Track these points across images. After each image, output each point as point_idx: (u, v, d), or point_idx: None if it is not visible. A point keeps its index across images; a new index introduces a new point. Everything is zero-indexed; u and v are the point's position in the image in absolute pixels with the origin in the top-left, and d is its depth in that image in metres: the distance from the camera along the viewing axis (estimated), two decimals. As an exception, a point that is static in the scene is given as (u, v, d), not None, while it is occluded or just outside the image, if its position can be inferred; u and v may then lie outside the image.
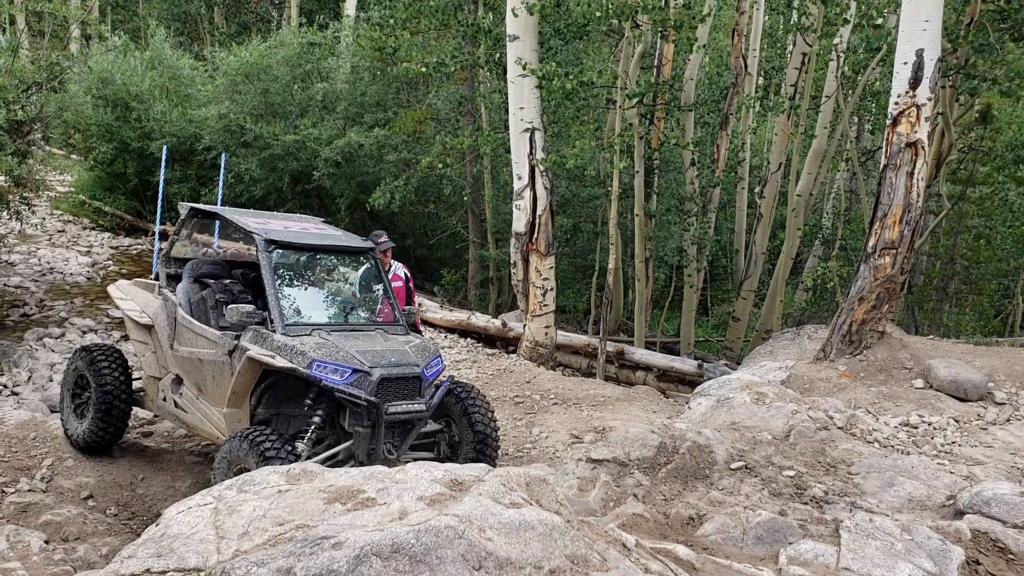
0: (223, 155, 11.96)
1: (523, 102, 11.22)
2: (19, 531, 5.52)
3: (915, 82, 8.36)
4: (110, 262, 15.26)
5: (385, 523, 3.28)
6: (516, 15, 10.92)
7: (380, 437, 5.91)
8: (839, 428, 6.94)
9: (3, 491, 6.50)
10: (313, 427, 5.92)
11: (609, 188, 12.69)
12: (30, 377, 10.09)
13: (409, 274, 8.39)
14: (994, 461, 6.51)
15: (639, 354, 12.61)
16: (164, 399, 6.98)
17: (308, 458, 5.55)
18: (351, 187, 16.05)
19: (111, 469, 7.21)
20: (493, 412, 6.83)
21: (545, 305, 11.62)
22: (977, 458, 6.57)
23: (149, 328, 7.12)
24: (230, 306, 6.10)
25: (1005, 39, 11.56)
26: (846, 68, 13.17)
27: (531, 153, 11.24)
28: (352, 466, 5.20)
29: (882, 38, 11.75)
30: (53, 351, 10.90)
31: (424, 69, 13.13)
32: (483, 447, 6.60)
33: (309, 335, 6.01)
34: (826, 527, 4.81)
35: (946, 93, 11.44)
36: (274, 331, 5.96)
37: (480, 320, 13.32)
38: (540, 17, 11.35)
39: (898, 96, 8.49)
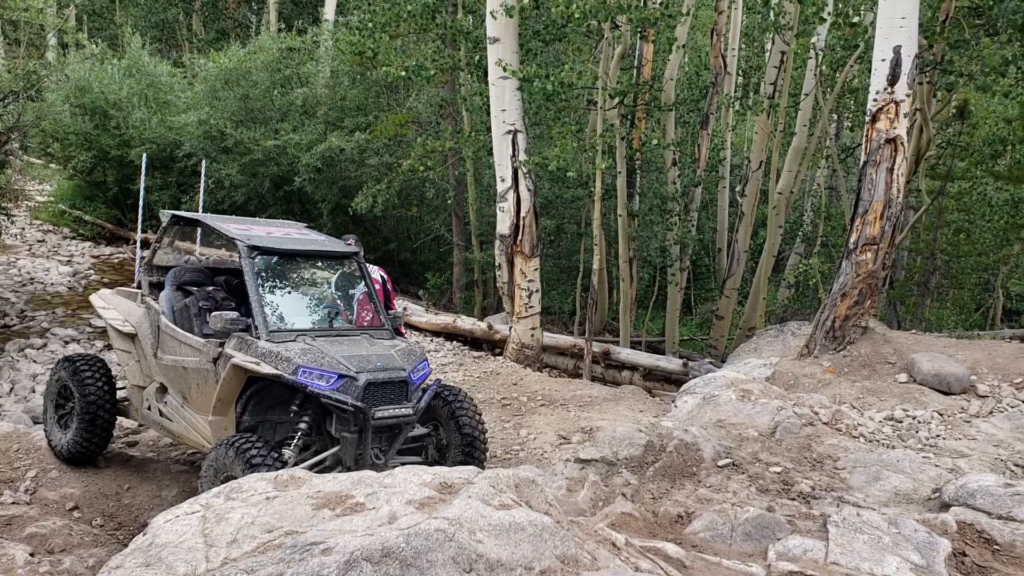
0: (203, 161, 11.87)
1: (505, 104, 11.22)
2: (3, 544, 5.47)
3: (893, 79, 8.43)
4: (91, 271, 15.16)
5: (375, 528, 3.27)
6: (495, 17, 10.93)
7: (367, 442, 5.88)
8: (824, 424, 6.99)
9: (-14, 504, 6.44)
10: (299, 433, 5.88)
11: (592, 189, 12.71)
12: (12, 388, 10.00)
13: (387, 276, 8.34)
14: (978, 453, 6.57)
15: (625, 354, 12.64)
16: (149, 408, 6.93)
17: (295, 465, 5.53)
18: (333, 192, 16.00)
19: (96, 479, 7.15)
20: (481, 415, 6.82)
21: (531, 307, 11.62)
22: (961, 451, 6.63)
23: (132, 337, 7.06)
24: (214, 313, 6.06)
25: (980, 35, 11.67)
26: (824, 66, 13.26)
27: (514, 155, 11.25)
28: (340, 472, 5.18)
29: (858, 36, 11.84)
30: (35, 362, 10.81)
31: (404, 73, 13.10)
32: (471, 450, 6.59)
33: (294, 341, 5.98)
34: (814, 522, 4.84)
35: (924, 89, 11.53)
36: (258, 338, 5.93)
37: (466, 323, 13.32)
38: (519, 19, 11.36)
39: (877, 93, 8.56)
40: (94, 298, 7.70)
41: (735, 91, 18.96)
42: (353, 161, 15.73)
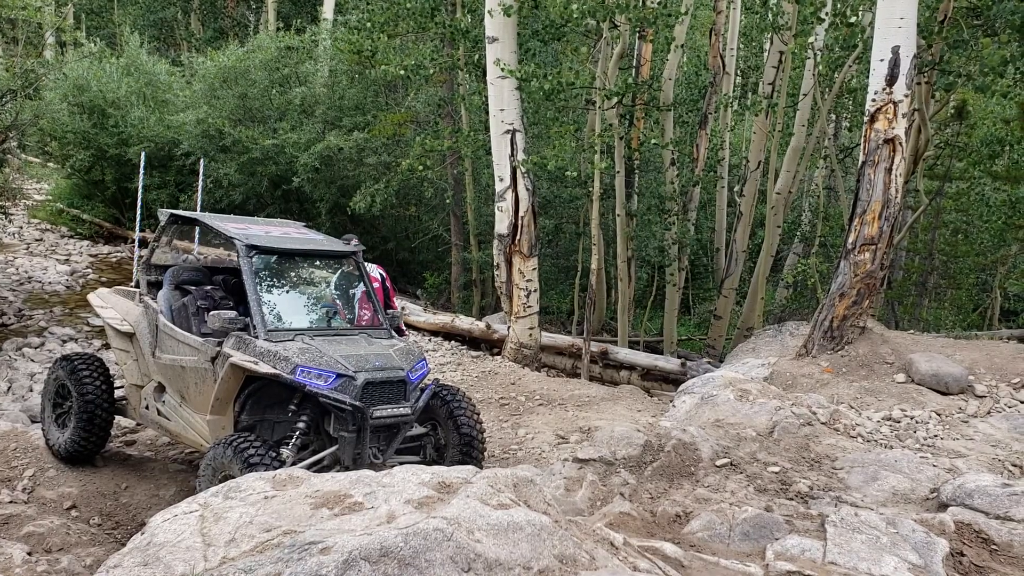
0: (202, 160, 11.85)
1: (503, 104, 11.22)
2: (1, 543, 5.46)
3: (892, 79, 8.43)
4: (89, 270, 15.14)
5: (373, 527, 3.27)
6: (493, 16, 10.92)
7: (365, 442, 5.88)
8: (822, 423, 6.99)
9: (-16, 503, 6.43)
10: (298, 433, 5.88)
11: (590, 189, 12.71)
12: (9, 387, 9.99)
13: (385, 275, 8.35)
14: (976, 453, 6.58)
15: (623, 354, 12.63)
16: (147, 407, 6.92)
17: (293, 464, 5.53)
18: (331, 191, 15.99)
19: (94, 478, 7.14)
20: (479, 414, 6.83)
21: (529, 307, 11.62)
22: (959, 451, 6.63)
23: (130, 336, 7.06)
24: (212, 312, 6.06)
25: (978, 35, 11.67)
26: (822, 66, 13.26)
27: (512, 154, 11.24)
28: (338, 471, 5.18)
29: (856, 36, 11.85)
30: (33, 361, 10.80)
31: (403, 72, 13.10)
32: (469, 449, 6.59)
33: (292, 340, 5.98)
34: (812, 522, 4.84)
35: (922, 89, 11.54)
36: (257, 337, 5.93)
37: (464, 322, 13.31)
38: (518, 19, 11.36)
39: (875, 93, 8.56)
40: (92, 297, 7.69)
41: (733, 91, 18.96)
42: (351, 160, 15.72)
